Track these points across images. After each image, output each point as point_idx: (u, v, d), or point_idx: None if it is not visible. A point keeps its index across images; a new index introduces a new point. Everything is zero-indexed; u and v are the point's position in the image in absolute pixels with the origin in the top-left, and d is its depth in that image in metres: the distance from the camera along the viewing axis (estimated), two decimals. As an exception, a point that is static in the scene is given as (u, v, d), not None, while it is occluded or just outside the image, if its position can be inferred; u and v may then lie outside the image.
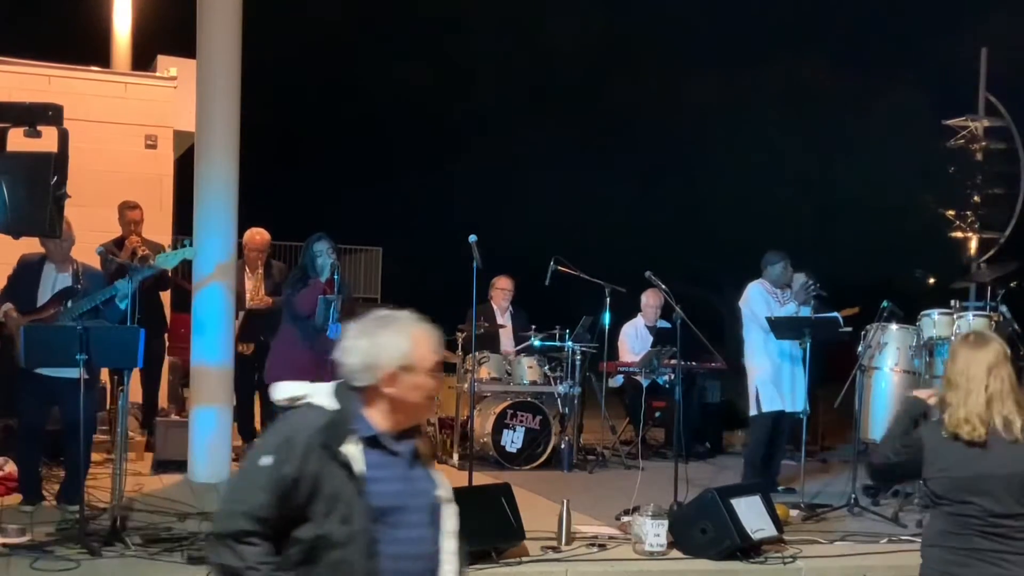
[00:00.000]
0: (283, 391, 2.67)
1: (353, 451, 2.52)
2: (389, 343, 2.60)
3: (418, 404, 2.65)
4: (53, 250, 6.24)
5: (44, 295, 6.25)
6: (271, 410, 7.57)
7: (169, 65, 10.63)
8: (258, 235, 8.39)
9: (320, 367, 6.03)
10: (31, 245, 6.23)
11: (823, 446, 9.90)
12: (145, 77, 10.96)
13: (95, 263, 7.00)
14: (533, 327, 9.26)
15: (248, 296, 8.19)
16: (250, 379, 8.05)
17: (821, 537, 6.23)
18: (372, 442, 2.58)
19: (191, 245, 6.51)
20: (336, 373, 2.67)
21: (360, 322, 2.66)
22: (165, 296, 9.00)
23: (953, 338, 7.44)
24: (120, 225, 8.06)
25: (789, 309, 7.51)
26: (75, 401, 5.75)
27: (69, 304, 6.12)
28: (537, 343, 8.99)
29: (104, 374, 8.14)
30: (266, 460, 2.49)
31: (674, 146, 23.47)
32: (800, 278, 7.65)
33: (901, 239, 21.29)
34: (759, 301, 7.61)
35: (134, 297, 6.01)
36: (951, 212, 21.95)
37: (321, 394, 2.62)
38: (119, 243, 7.89)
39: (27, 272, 6.32)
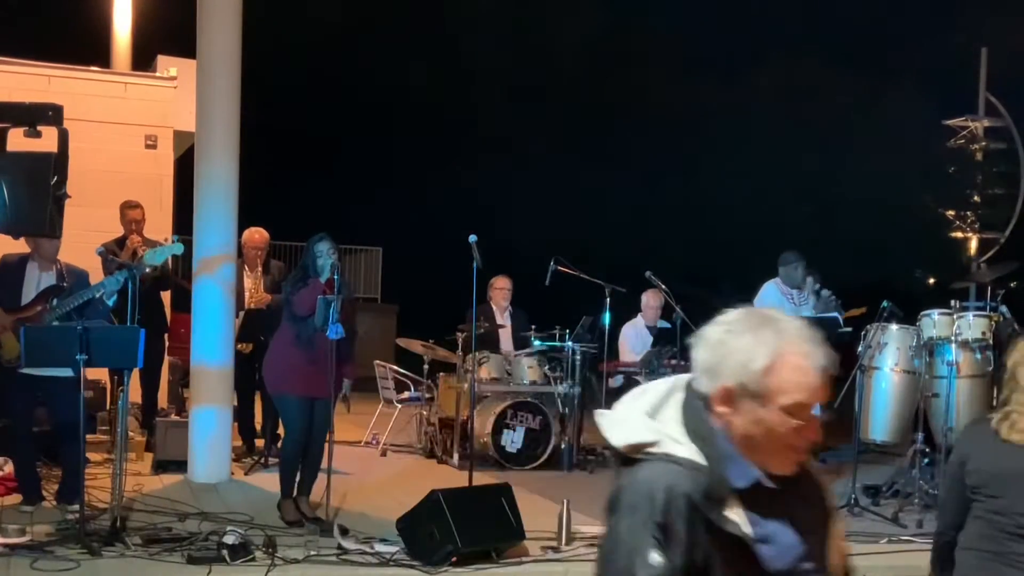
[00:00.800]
0: (624, 433, 1.97)
1: (736, 515, 1.91)
2: (741, 348, 1.91)
3: (759, 442, 1.92)
4: (46, 247, 6.20)
5: (28, 294, 6.21)
6: (272, 410, 7.65)
7: (169, 65, 10.64)
8: (257, 234, 8.40)
9: (317, 367, 6.03)
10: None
11: (823, 446, 9.90)
12: (145, 77, 10.97)
13: (95, 263, 6.99)
14: (533, 327, 9.27)
15: (247, 295, 8.19)
16: (250, 379, 8.06)
17: (821, 537, 6.22)
18: (753, 492, 1.94)
19: (179, 242, 6.47)
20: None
21: (741, 311, 1.99)
22: (165, 296, 9.00)
23: (953, 338, 7.45)
24: (121, 225, 8.06)
25: (806, 311, 7.51)
26: (66, 400, 5.74)
27: (55, 302, 6.10)
28: (537, 343, 9.00)
29: (104, 374, 8.16)
30: (656, 557, 1.86)
31: (674, 146, 23.48)
32: (810, 281, 7.66)
33: (901, 239, 21.31)
34: (771, 300, 7.62)
35: (134, 297, 5.99)
36: (951, 212, 22.01)
37: (676, 437, 1.93)
38: (120, 243, 7.89)
39: (9, 271, 6.27)
